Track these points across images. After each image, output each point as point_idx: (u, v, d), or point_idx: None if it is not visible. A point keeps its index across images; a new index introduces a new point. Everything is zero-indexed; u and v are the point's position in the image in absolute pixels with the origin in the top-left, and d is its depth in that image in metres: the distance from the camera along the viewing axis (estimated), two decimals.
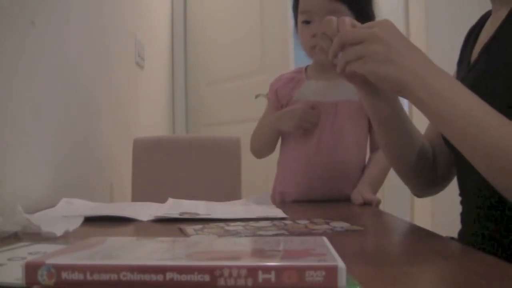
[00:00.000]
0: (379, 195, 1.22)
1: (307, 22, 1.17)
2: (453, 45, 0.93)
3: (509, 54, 0.70)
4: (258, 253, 0.42)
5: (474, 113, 0.61)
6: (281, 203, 1.21)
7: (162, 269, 0.35)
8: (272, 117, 1.26)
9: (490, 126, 0.60)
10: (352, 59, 0.67)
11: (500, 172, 0.60)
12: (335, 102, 1.21)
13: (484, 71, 0.74)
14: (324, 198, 1.19)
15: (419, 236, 0.70)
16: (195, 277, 0.34)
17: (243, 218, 0.81)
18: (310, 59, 1.26)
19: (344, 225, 0.74)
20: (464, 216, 0.82)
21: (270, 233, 0.67)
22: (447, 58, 0.95)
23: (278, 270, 0.34)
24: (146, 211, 0.89)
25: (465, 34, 0.90)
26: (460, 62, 0.88)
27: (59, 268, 0.35)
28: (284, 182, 1.27)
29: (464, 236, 0.80)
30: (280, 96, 1.28)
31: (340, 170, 1.21)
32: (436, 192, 0.94)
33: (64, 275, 0.35)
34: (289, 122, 1.20)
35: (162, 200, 1.07)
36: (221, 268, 0.34)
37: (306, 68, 1.31)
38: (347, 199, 1.16)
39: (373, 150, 1.27)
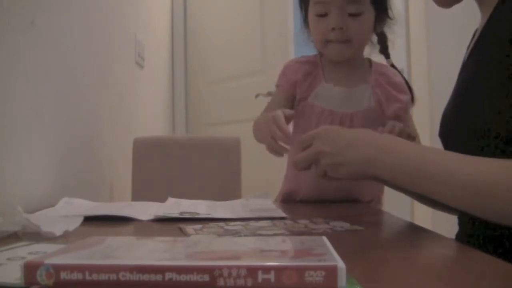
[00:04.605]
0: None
1: (322, 15, 1.09)
2: (453, 45, 0.93)
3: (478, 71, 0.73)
4: (258, 253, 0.42)
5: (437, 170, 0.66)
6: (284, 202, 1.20)
7: (161, 269, 0.34)
8: (263, 119, 1.07)
9: (456, 173, 0.64)
10: (307, 163, 0.81)
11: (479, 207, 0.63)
12: (350, 113, 1.12)
13: (465, 81, 0.78)
14: (335, 199, 1.14)
15: (419, 236, 0.70)
16: (195, 277, 0.34)
17: (243, 217, 0.81)
18: (323, 54, 1.17)
19: (344, 225, 0.74)
20: (461, 219, 0.82)
21: (270, 233, 0.67)
22: (447, 58, 0.94)
23: (278, 270, 0.34)
24: (146, 210, 0.89)
25: (465, 34, 0.90)
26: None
27: (58, 268, 0.35)
28: (294, 180, 1.21)
29: (461, 238, 0.80)
30: (298, 91, 1.17)
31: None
32: None
33: (63, 275, 0.35)
34: (262, 139, 1.07)
35: (162, 200, 1.07)
36: (220, 268, 0.34)
37: (321, 59, 1.19)
38: (353, 200, 1.15)
39: None
